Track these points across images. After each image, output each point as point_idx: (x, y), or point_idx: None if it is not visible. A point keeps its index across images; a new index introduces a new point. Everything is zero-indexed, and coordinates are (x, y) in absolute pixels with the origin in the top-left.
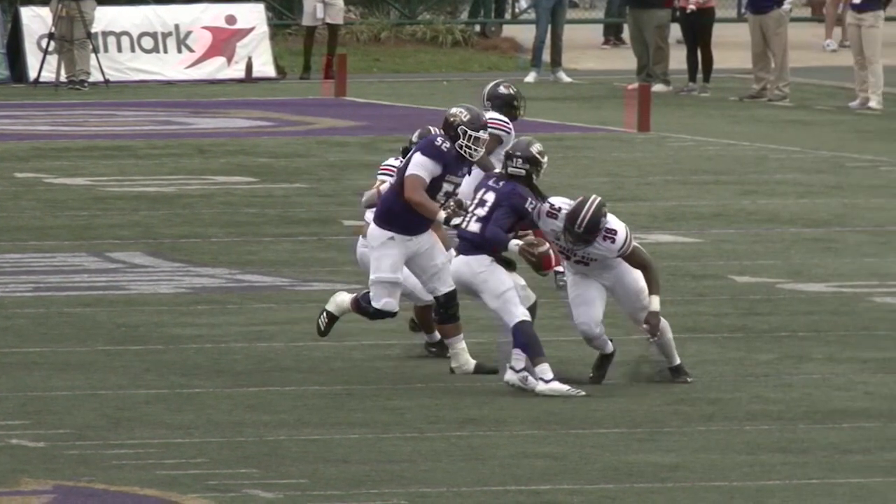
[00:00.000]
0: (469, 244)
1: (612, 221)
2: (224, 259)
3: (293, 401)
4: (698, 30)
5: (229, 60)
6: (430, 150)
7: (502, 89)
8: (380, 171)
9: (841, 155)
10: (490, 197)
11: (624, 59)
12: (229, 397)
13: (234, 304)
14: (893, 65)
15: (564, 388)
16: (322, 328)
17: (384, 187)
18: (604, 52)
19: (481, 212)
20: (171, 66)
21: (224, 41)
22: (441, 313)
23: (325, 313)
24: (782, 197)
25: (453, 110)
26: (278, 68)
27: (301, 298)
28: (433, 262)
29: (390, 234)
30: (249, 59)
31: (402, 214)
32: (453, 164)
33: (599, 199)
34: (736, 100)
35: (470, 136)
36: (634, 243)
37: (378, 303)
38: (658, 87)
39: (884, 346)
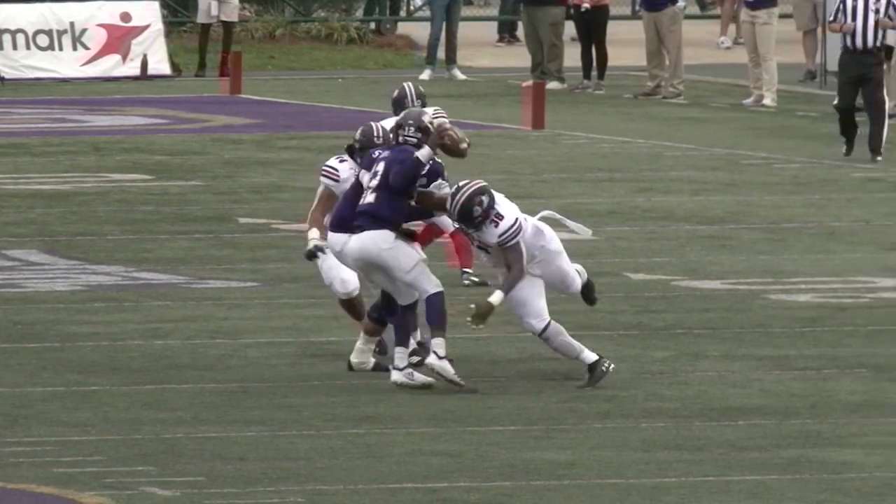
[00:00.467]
0: (370, 218)
1: (504, 207)
2: (120, 256)
3: (190, 398)
4: (593, 27)
5: (125, 58)
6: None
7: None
8: (323, 174)
9: (735, 152)
10: (381, 166)
11: (518, 57)
12: (126, 395)
13: (131, 302)
14: (787, 62)
15: (451, 371)
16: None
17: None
18: (498, 50)
19: (375, 182)
20: (66, 64)
21: (119, 39)
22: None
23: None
24: (677, 194)
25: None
26: (173, 66)
27: (197, 296)
28: None
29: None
30: (145, 56)
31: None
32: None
33: (480, 185)
34: (630, 97)
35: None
36: (519, 243)
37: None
38: (552, 85)
39: (779, 343)
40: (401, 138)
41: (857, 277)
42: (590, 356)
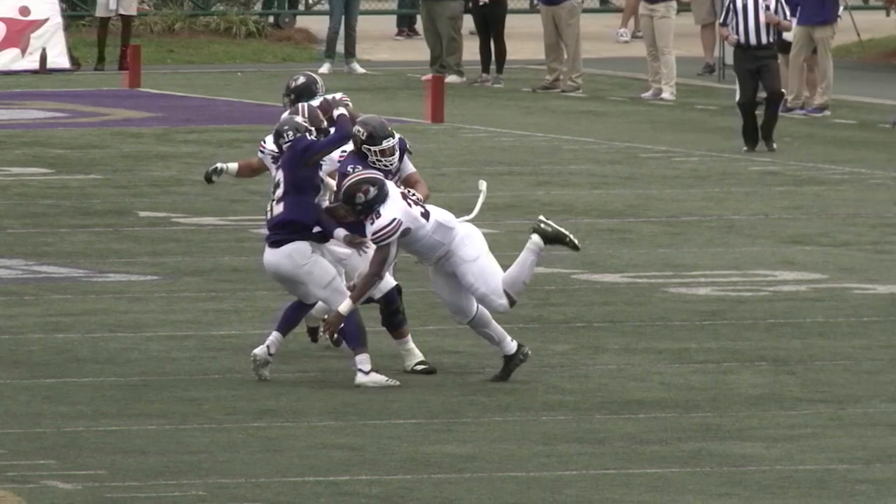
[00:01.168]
0: (285, 229)
1: (390, 208)
2: (20, 250)
3: (91, 392)
4: (491, 21)
5: (23, 51)
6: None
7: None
8: (260, 150)
9: (634, 146)
10: (280, 174)
11: (417, 51)
12: (27, 388)
13: (31, 296)
14: (686, 56)
15: (383, 379)
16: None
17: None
18: (397, 43)
19: (280, 192)
20: None
21: (18, 33)
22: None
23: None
24: (576, 188)
25: (353, 129)
26: (73, 59)
27: (97, 289)
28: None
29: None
30: (44, 50)
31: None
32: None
33: (374, 176)
34: (529, 91)
35: (375, 151)
36: (390, 247)
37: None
38: (451, 79)
39: (678, 336)
40: (284, 146)
41: (757, 271)
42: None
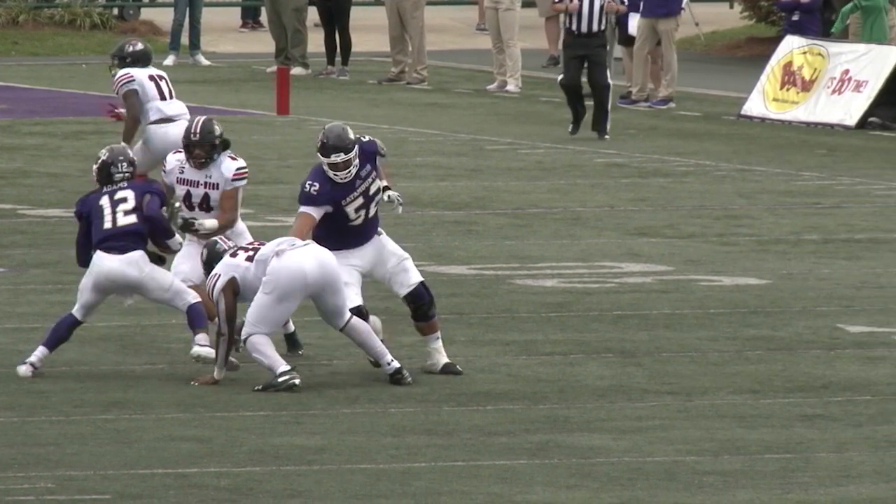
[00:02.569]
0: (129, 238)
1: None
2: None
3: None
4: (335, 13)
5: None
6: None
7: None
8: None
9: (480, 138)
10: (128, 192)
11: (262, 43)
12: None
13: None
14: (530, 48)
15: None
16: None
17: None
18: (242, 36)
19: (129, 205)
20: None
21: None
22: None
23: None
24: (422, 180)
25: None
26: None
27: None
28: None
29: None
30: None
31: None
32: (338, 192)
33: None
34: (375, 83)
35: (324, 163)
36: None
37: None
38: (297, 71)
39: (525, 328)
40: (117, 176)
41: (603, 262)
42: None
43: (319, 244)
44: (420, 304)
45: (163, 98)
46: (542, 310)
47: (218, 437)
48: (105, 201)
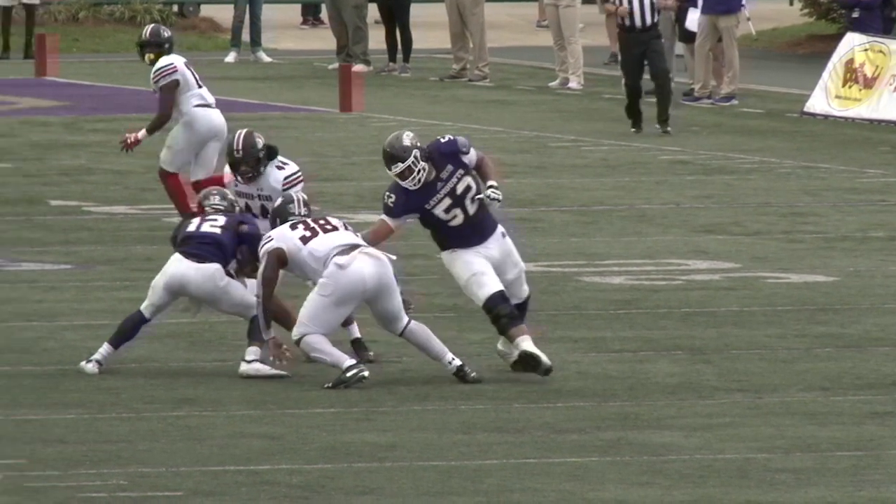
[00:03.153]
0: (209, 247)
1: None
2: None
3: (7, 381)
4: (396, 9)
5: None
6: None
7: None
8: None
9: (543, 135)
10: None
11: (323, 40)
12: None
13: None
14: (592, 45)
15: (268, 369)
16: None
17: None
18: (302, 32)
19: (216, 222)
20: None
21: None
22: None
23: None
24: None
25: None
26: None
27: (10, 279)
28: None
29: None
30: None
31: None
32: (417, 199)
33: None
34: (436, 80)
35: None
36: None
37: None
38: (358, 68)
39: (594, 325)
40: (209, 209)
41: (670, 260)
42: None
43: (443, 246)
44: (521, 311)
45: (199, 86)
46: (610, 307)
47: (289, 434)
48: (196, 220)
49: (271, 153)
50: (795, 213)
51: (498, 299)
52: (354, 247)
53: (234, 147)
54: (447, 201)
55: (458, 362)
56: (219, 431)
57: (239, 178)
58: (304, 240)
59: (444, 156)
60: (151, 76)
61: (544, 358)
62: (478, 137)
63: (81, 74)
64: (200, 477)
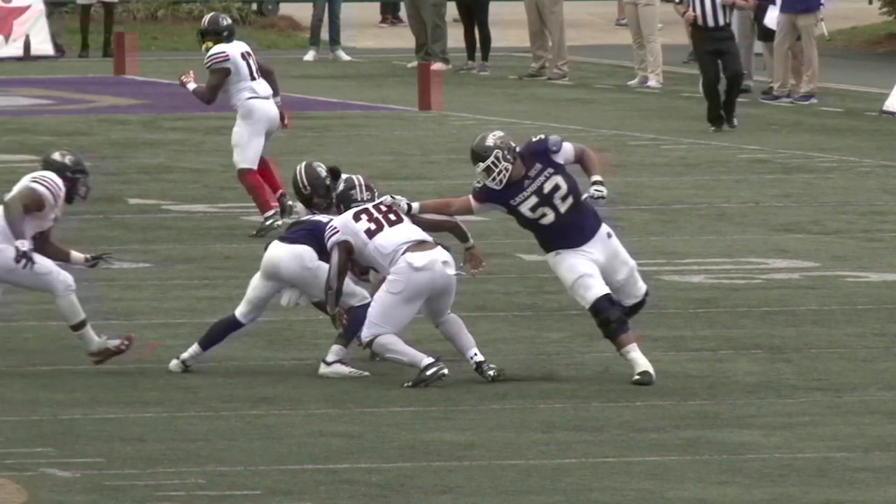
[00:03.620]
0: (304, 233)
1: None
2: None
3: (86, 379)
4: (474, 8)
5: (6, 38)
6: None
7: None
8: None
9: (622, 133)
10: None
11: (401, 38)
12: (22, 376)
13: None
14: (671, 43)
15: (346, 370)
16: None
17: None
18: (381, 31)
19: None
20: None
21: (1, 19)
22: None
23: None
24: None
25: None
26: (57, 46)
27: (89, 277)
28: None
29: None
30: (27, 37)
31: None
32: (504, 194)
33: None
34: (515, 78)
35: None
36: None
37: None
38: (437, 66)
39: (673, 324)
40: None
41: (749, 258)
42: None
43: (546, 248)
44: (634, 311)
45: (252, 78)
46: (690, 306)
47: (368, 433)
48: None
49: (336, 174)
50: (875, 212)
51: (605, 303)
52: (421, 243)
53: (301, 185)
54: (533, 199)
55: (479, 358)
56: (297, 430)
57: (316, 210)
58: (370, 233)
59: (534, 154)
60: (204, 62)
61: (651, 370)
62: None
63: (160, 73)
64: (279, 476)
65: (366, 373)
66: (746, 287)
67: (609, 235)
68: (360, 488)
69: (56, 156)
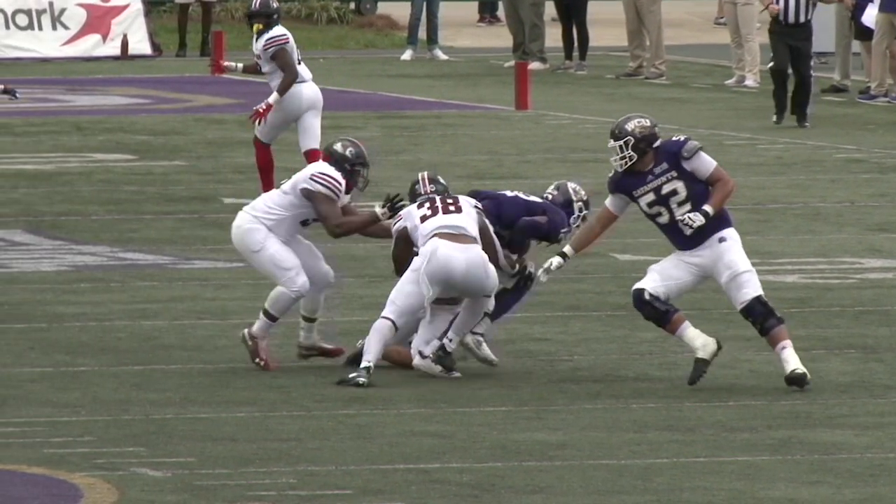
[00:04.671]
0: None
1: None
2: (105, 237)
3: (179, 379)
4: (573, 7)
5: (105, 38)
6: None
7: None
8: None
9: (719, 133)
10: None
11: (499, 37)
12: (114, 375)
13: (117, 283)
14: (769, 42)
15: (437, 369)
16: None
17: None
18: (479, 30)
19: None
20: (46, 44)
21: (99, 18)
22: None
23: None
24: None
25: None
26: (154, 46)
27: (183, 276)
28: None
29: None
30: (125, 36)
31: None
32: (628, 182)
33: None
34: (613, 78)
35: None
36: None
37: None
38: (535, 65)
39: None
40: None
41: (844, 258)
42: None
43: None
44: (754, 321)
45: (298, 62)
46: (784, 305)
47: (459, 433)
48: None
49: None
50: None
51: (636, 293)
52: (458, 236)
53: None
54: (651, 196)
55: (445, 343)
56: (389, 430)
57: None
58: (423, 219)
59: (665, 152)
60: (262, 44)
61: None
62: None
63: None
64: (370, 475)
65: (458, 374)
66: (840, 287)
67: (721, 240)
68: (450, 488)
69: (338, 146)
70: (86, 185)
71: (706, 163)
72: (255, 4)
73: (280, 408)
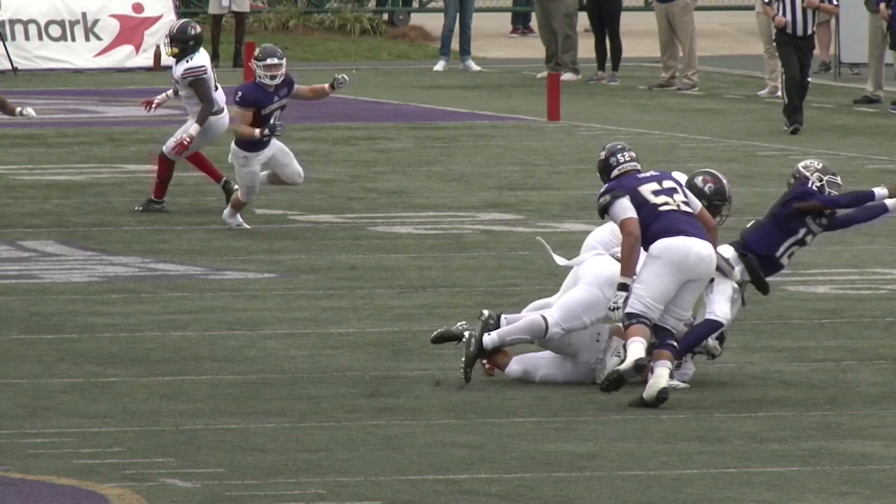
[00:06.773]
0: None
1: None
2: (137, 248)
3: (209, 390)
4: (605, 18)
5: (137, 48)
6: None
7: None
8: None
9: (751, 144)
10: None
11: (532, 48)
12: (145, 386)
13: (148, 293)
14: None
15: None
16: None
17: None
18: (512, 41)
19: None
20: (79, 55)
21: (132, 29)
22: None
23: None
24: None
25: None
26: None
27: (214, 287)
28: None
29: None
30: (158, 47)
31: None
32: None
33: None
34: (645, 88)
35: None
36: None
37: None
38: (567, 76)
39: (797, 335)
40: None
41: (875, 269)
42: None
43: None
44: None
45: (215, 88)
46: (814, 316)
47: (489, 444)
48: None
49: None
50: None
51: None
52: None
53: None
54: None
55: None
56: (419, 440)
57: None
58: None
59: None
60: (181, 72)
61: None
62: (685, 146)
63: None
64: (399, 486)
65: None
66: (872, 297)
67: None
68: (480, 499)
69: (698, 181)
70: (117, 195)
71: (613, 215)
72: (174, 29)
73: (310, 418)
